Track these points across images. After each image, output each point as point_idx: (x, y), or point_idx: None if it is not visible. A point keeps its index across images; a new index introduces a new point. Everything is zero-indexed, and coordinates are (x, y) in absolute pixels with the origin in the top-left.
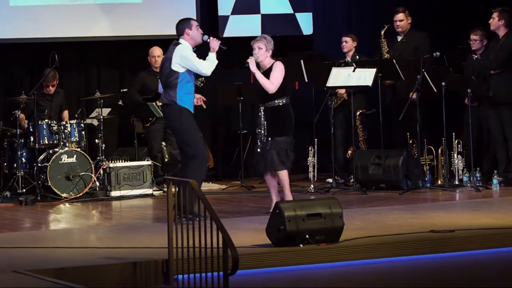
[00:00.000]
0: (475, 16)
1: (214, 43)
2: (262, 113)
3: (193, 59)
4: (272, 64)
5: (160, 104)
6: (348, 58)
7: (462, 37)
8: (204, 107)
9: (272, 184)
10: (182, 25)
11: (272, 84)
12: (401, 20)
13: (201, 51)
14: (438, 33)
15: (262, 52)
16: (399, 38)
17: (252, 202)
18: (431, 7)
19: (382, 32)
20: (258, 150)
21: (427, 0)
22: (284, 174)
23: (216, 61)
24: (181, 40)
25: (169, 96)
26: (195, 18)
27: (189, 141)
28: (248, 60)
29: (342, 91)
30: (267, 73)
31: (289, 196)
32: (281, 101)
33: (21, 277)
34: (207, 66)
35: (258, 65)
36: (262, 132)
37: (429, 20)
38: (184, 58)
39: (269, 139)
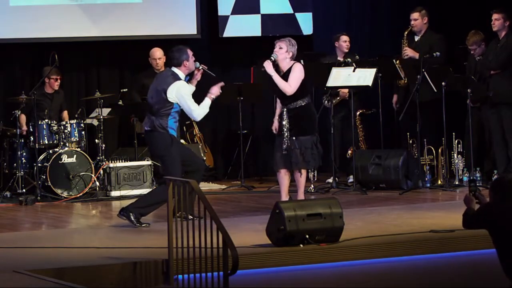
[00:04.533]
0: (475, 16)
1: (215, 90)
2: (286, 114)
3: (189, 102)
4: (291, 66)
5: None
6: (340, 58)
7: (462, 37)
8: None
9: (284, 182)
10: (181, 55)
11: (289, 86)
12: (416, 19)
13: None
14: (438, 33)
15: (282, 52)
16: (416, 38)
17: (252, 202)
18: (431, 7)
19: (405, 32)
20: (284, 151)
21: (428, 0)
22: (304, 174)
23: (208, 109)
24: (176, 70)
25: (159, 124)
26: (195, 18)
27: (170, 170)
28: (264, 64)
29: (345, 91)
30: (286, 75)
31: (301, 197)
32: (303, 101)
33: (21, 277)
34: (201, 114)
35: (277, 68)
36: (287, 131)
37: (429, 20)
38: (181, 97)
39: (293, 138)
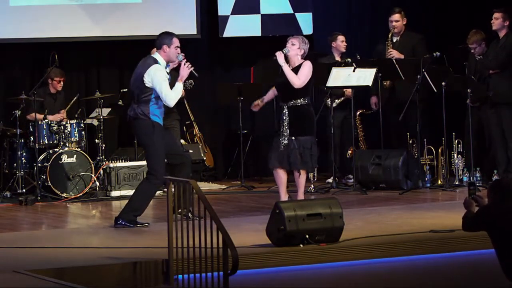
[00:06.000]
0: (474, 15)
1: (185, 71)
2: (286, 111)
3: (162, 86)
4: (301, 63)
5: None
6: (338, 58)
7: (462, 37)
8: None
9: (281, 182)
10: (163, 39)
11: (299, 79)
12: (397, 20)
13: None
14: (438, 33)
15: (294, 48)
16: (395, 39)
17: (252, 202)
18: (431, 6)
19: (390, 34)
20: (281, 148)
21: (427, 1)
22: (304, 174)
23: (181, 92)
24: (156, 56)
25: (141, 111)
26: (195, 18)
27: (152, 160)
28: (277, 53)
29: (350, 90)
30: (294, 71)
31: (301, 197)
32: (304, 100)
33: (21, 277)
34: (173, 97)
35: (286, 62)
36: (286, 130)
37: (429, 20)
38: (155, 80)
39: (293, 138)
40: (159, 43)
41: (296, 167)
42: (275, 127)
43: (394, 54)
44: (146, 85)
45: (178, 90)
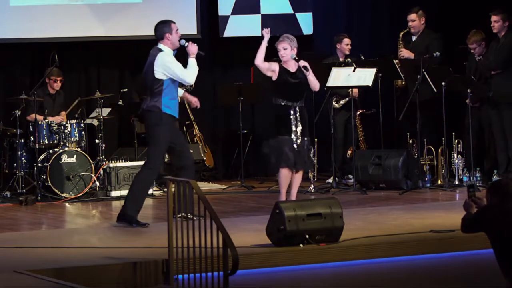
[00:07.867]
0: (474, 15)
1: (193, 48)
2: (298, 111)
3: (175, 69)
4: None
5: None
6: (342, 59)
7: (462, 37)
8: (198, 106)
9: (288, 182)
10: (162, 28)
11: (318, 83)
12: (413, 20)
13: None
14: (436, 32)
15: (288, 52)
16: (414, 38)
17: (252, 202)
18: (431, 6)
19: (401, 34)
20: (296, 148)
21: (427, 0)
22: (302, 174)
23: (197, 68)
24: (161, 46)
25: (153, 103)
26: (195, 18)
27: (151, 150)
28: (306, 65)
29: (356, 90)
30: (295, 75)
31: (294, 197)
32: (304, 102)
33: (21, 277)
34: (190, 74)
35: (286, 69)
36: (299, 129)
37: (429, 20)
38: (166, 67)
39: (305, 138)
40: (160, 34)
41: (307, 167)
42: (282, 126)
43: (405, 53)
44: (156, 76)
45: (193, 66)
